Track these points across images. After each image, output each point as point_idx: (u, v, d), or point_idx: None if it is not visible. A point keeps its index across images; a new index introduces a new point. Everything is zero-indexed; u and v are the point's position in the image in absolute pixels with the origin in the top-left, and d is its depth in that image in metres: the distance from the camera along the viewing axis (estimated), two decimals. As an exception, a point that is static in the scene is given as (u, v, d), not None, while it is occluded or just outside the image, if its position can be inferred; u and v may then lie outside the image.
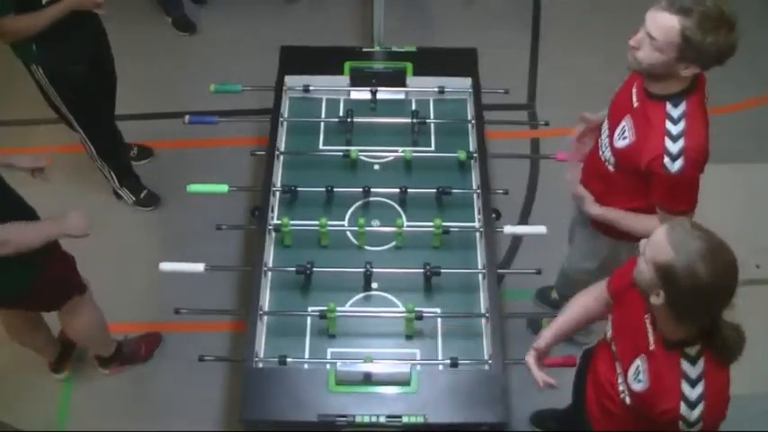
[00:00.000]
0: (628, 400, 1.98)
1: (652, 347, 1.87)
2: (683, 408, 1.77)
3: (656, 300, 1.74)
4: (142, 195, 3.66)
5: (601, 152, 2.40)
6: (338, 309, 2.42)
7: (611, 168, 2.35)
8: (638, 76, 2.23)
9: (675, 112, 2.12)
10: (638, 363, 1.91)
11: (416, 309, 2.39)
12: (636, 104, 2.24)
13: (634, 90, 2.26)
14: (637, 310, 1.92)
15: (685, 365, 1.79)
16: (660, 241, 1.71)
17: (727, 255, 1.68)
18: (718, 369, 1.80)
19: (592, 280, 2.58)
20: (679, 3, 1.97)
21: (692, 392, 1.77)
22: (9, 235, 2.24)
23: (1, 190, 2.37)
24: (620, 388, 2.02)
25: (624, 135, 2.26)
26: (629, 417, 2.03)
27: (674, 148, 2.10)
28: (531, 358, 2.20)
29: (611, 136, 2.33)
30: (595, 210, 2.44)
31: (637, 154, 2.19)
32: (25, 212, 2.45)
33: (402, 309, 2.45)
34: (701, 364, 1.79)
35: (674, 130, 2.11)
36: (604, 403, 2.13)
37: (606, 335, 2.11)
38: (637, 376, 1.91)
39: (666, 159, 2.11)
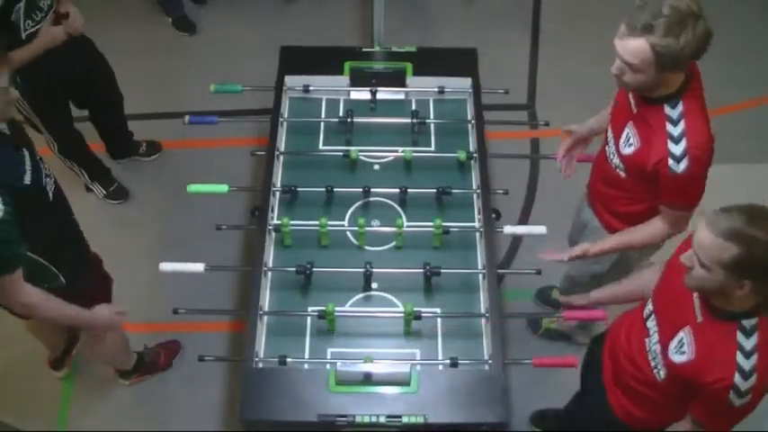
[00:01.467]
0: (662, 373, 2.02)
1: (700, 320, 1.90)
2: (737, 378, 1.82)
3: (741, 291, 1.77)
4: (111, 189, 3.71)
5: (609, 160, 2.40)
6: (338, 309, 2.42)
7: (622, 174, 2.36)
8: None
9: (674, 113, 2.13)
10: (682, 335, 1.94)
11: (416, 309, 2.39)
12: (635, 110, 2.25)
13: (631, 96, 2.27)
14: (680, 285, 1.92)
15: (741, 337, 1.84)
16: (710, 241, 1.73)
17: (763, 207, 1.76)
18: None
19: (603, 283, 2.59)
20: (639, 23, 1.96)
21: (747, 363, 1.82)
22: (40, 302, 2.13)
23: (63, 221, 2.32)
24: (653, 363, 2.07)
25: (630, 142, 2.27)
26: (658, 393, 2.09)
27: (676, 149, 2.11)
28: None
29: (616, 143, 2.34)
30: (596, 249, 2.46)
31: (643, 159, 2.21)
32: (75, 248, 2.40)
33: (401, 309, 2.44)
34: (755, 336, 1.84)
35: (675, 131, 2.12)
36: (628, 383, 2.18)
37: (644, 310, 2.14)
38: (680, 348, 1.94)
39: (671, 162, 2.11)
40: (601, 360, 2.34)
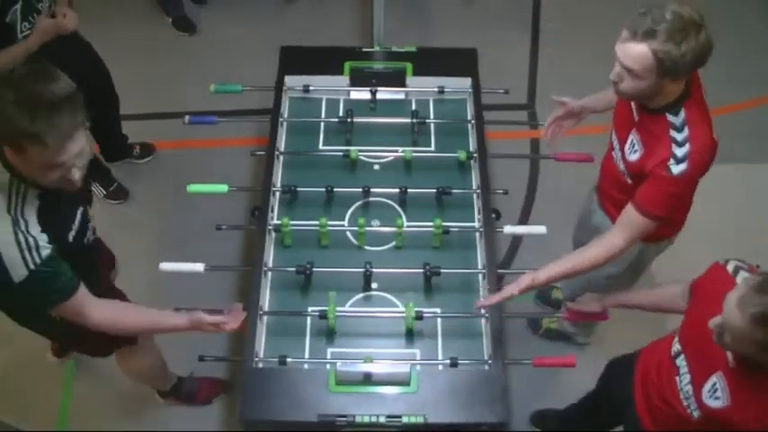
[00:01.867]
0: (696, 413, 1.95)
1: (731, 365, 1.83)
2: None
3: None
4: (111, 189, 3.71)
5: (617, 165, 2.38)
6: (338, 309, 2.42)
7: (629, 181, 2.34)
8: None
9: (677, 120, 2.11)
10: (715, 380, 1.87)
11: (417, 309, 2.40)
12: (637, 118, 2.24)
13: (633, 104, 2.25)
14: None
15: None
16: (742, 325, 1.65)
17: None
18: None
19: (617, 285, 2.57)
20: (641, 28, 1.96)
21: None
22: (112, 316, 2.07)
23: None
24: (685, 404, 1.98)
25: (635, 149, 2.25)
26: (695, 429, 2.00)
27: (679, 151, 2.10)
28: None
29: (622, 150, 2.33)
30: (543, 278, 2.30)
31: (646, 164, 2.19)
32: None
33: (402, 309, 2.44)
34: None
35: (679, 137, 2.10)
36: (663, 418, 2.10)
37: (672, 349, 2.05)
38: (714, 393, 1.88)
39: (671, 161, 2.10)
40: (632, 392, 2.24)
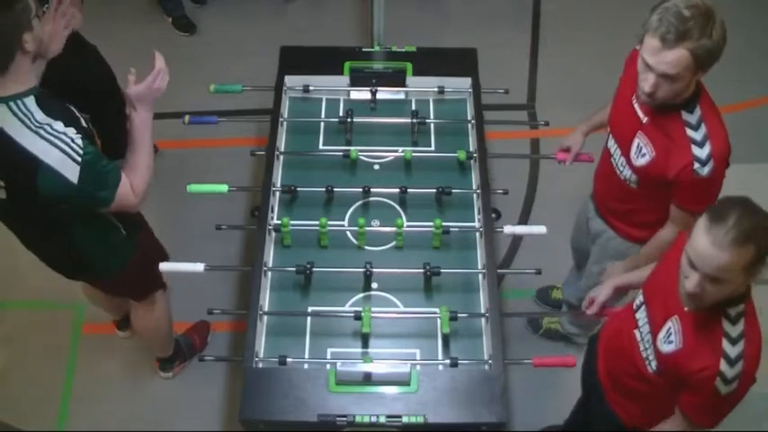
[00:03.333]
0: (654, 364, 2.03)
1: (687, 308, 1.90)
2: (723, 365, 1.82)
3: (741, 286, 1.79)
4: None
5: (619, 173, 2.36)
6: (338, 309, 2.42)
7: (633, 186, 2.33)
8: (633, 91, 2.22)
9: (692, 118, 2.11)
10: (670, 324, 1.95)
11: (419, 309, 2.40)
12: (644, 120, 2.22)
13: (636, 106, 2.24)
14: (671, 276, 1.92)
15: (726, 325, 1.84)
16: (727, 257, 1.69)
17: (744, 201, 1.73)
18: (755, 331, 1.86)
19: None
20: (670, 33, 1.94)
21: (733, 350, 1.83)
22: (134, 182, 2.20)
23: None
24: (644, 355, 2.07)
25: (642, 152, 2.23)
26: (652, 388, 2.09)
27: (702, 153, 2.09)
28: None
29: (626, 155, 2.31)
30: (621, 282, 2.40)
31: (662, 167, 2.18)
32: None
33: (434, 310, 2.44)
34: (741, 323, 1.84)
35: (698, 136, 2.10)
36: (623, 379, 2.18)
37: (634, 303, 2.15)
38: (668, 338, 1.95)
39: (697, 165, 2.10)
40: (596, 360, 2.34)
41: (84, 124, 2.13)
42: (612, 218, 2.56)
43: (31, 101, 2.00)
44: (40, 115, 1.99)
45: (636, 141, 2.25)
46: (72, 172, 1.99)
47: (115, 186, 2.12)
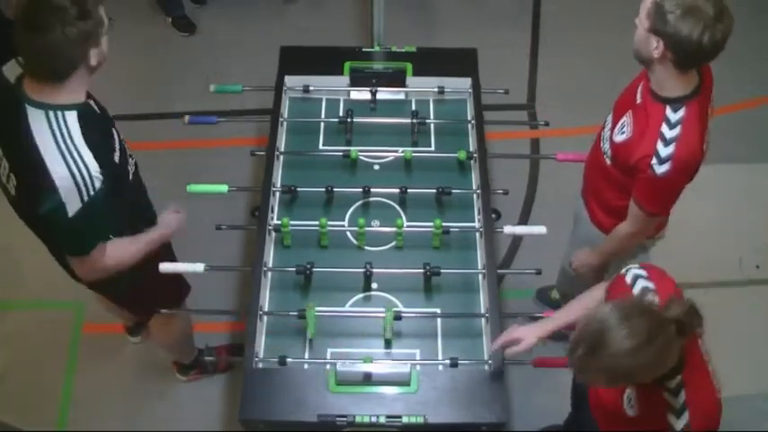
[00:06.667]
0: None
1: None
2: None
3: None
4: None
5: (602, 144, 2.43)
6: (338, 309, 2.42)
7: (607, 161, 2.38)
8: (645, 75, 2.24)
9: (674, 117, 2.13)
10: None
11: (413, 309, 2.40)
12: (639, 101, 2.25)
13: (640, 88, 2.27)
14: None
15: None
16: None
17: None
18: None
19: (593, 274, 2.59)
20: (707, 14, 1.94)
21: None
22: (113, 258, 2.15)
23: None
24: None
25: (623, 130, 2.28)
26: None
27: (663, 151, 2.11)
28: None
29: (612, 129, 2.35)
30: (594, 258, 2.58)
31: (630, 150, 2.22)
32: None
33: (399, 309, 2.45)
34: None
35: (669, 134, 2.12)
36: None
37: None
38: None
39: (654, 161, 2.12)
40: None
41: (116, 159, 2.08)
42: (591, 198, 2.60)
43: (72, 116, 1.94)
44: (77, 135, 1.93)
45: (624, 119, 2.29)
46: (73, 205, 1.93)
47: (98, 241, 2.07)
